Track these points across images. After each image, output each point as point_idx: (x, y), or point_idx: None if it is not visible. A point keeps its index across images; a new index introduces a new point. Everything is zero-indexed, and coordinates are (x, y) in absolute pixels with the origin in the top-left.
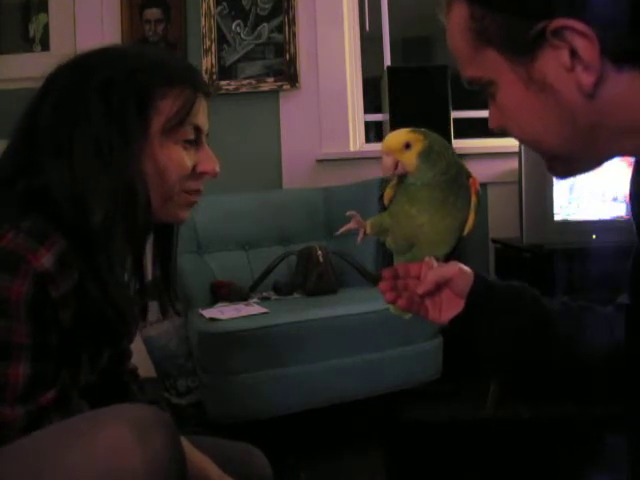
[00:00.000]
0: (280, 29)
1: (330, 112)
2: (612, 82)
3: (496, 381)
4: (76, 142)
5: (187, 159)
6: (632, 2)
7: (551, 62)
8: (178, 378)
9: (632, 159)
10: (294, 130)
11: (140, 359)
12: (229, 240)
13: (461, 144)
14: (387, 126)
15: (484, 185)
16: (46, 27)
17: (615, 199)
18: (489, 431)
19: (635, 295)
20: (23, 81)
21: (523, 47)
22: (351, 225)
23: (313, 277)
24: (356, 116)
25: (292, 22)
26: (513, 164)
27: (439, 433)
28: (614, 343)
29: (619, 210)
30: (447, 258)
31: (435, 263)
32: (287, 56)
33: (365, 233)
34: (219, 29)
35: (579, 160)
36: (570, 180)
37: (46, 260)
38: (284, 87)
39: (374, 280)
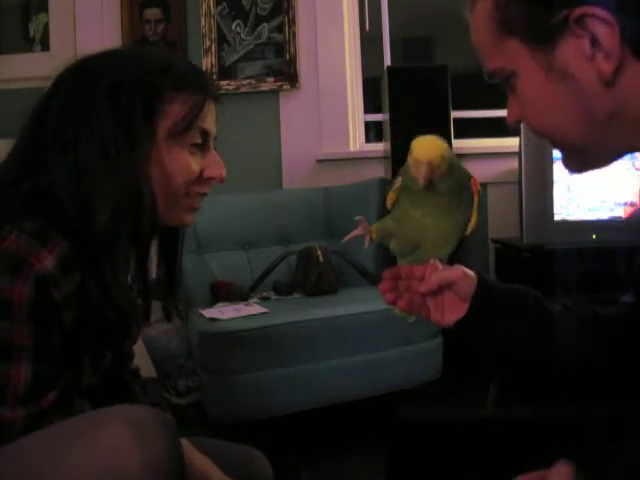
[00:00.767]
0: (280, 29)
1: (330, 112)
2: (631, 71)
3: (496, 381)
4: (82, 143)
5: (194, 163)
6: None
7: (572, 51)
8: (178, 378)
9: None
10: (294, 130)
11: (140, 359)
12: (229, 240)
13: (461, 144)
14: (387, 126)
15: (484, 185)
16: (46, 27)
17: (615, 199)
18: (489, 431)
19: None
20: (23, 81)
21: (545, 35)
22: (358, 232)
23: (313, 277)
24: (356, 116)
25: (292, 22)
26: (513, 164)
27: (439, 433)
28: (614, 344)
29: (619, 210)
30: (450, 258)
31: (440, 265)
32: (287, 56)
33: (371, 238)
34: (219, 29)
35: (594, 154)
36: (570, 180)
37: (48, 262)
38: (284, 87)
39: (374, 280)
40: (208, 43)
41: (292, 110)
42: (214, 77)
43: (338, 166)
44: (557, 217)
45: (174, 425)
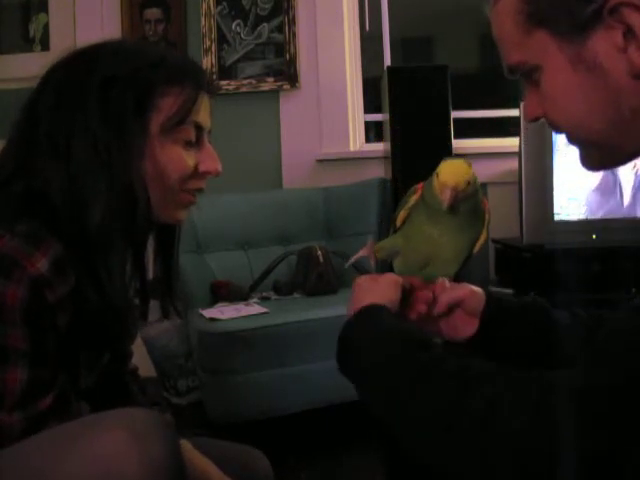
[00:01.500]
0: (280, 29)
1: (330, 112)
2: None
3: None
4: (73, 141)
5: (188, 158)
6: None
7: (603, 42)
8: (178, 378)
9: None
10: (294, 130)
11: (140, 359)
12: (229, 240)
13: (461, 144)
14: (387, 126)
15: (484, 185)
16: (46, 27)
17: (615, 199)
18: None
19: None
20: (23, 81)
21: (577, 27)
22: (362, 253)
23: (313, 277)
24: (356, 116)
25: (292, 22)
26: (513, 164)
27: None
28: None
29: (619, 210)
30: (456, 275)
31: (448, 284)
32: (287, 56)
33: (375, 258)
34: (219, 29)
35: (616, 149)
36: (570, 180)
37: (42, 265)
38: (284, 87)
39: None
40: (208, 43)
41: (292, 110)
42: (214, 77)
43: (338, 166)
44: (557, 217)
45: (173, 426)
